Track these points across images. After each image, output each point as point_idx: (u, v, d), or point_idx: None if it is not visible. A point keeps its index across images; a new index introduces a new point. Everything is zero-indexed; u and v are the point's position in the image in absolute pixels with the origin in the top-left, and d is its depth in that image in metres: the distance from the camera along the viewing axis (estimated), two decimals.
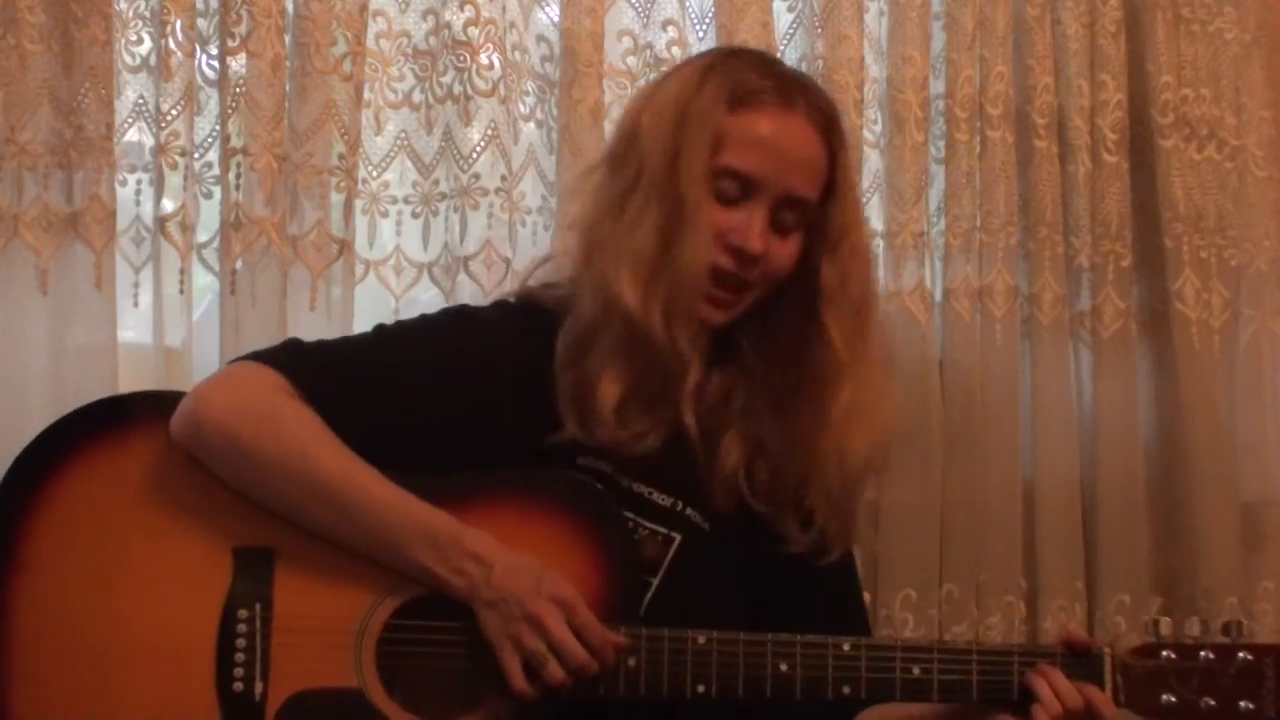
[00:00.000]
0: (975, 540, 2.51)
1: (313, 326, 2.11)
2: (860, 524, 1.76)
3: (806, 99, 1.74)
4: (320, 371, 1.66)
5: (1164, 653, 1.68)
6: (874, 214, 2.50)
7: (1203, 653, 1.67)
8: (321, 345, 1.73)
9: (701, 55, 1.83)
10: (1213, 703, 1.66)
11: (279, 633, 1.59)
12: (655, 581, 1.67)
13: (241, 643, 1.58)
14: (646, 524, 1.68)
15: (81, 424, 1.67)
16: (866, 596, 2.44)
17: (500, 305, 1.81)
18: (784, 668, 1.59)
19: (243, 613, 1.59)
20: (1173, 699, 1.66)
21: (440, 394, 1.67)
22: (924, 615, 2.47)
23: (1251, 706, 1.66)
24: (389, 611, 1.60)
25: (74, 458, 1.64)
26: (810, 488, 1.72)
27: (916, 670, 1.62)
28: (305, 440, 1.60)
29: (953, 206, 2.53)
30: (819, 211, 1.73)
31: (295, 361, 1.66)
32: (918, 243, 2.49)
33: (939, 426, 2.49)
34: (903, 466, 2.47)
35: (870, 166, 2.49)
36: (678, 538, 1.69)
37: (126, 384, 2.06)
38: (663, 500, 1.70)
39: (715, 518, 1.71)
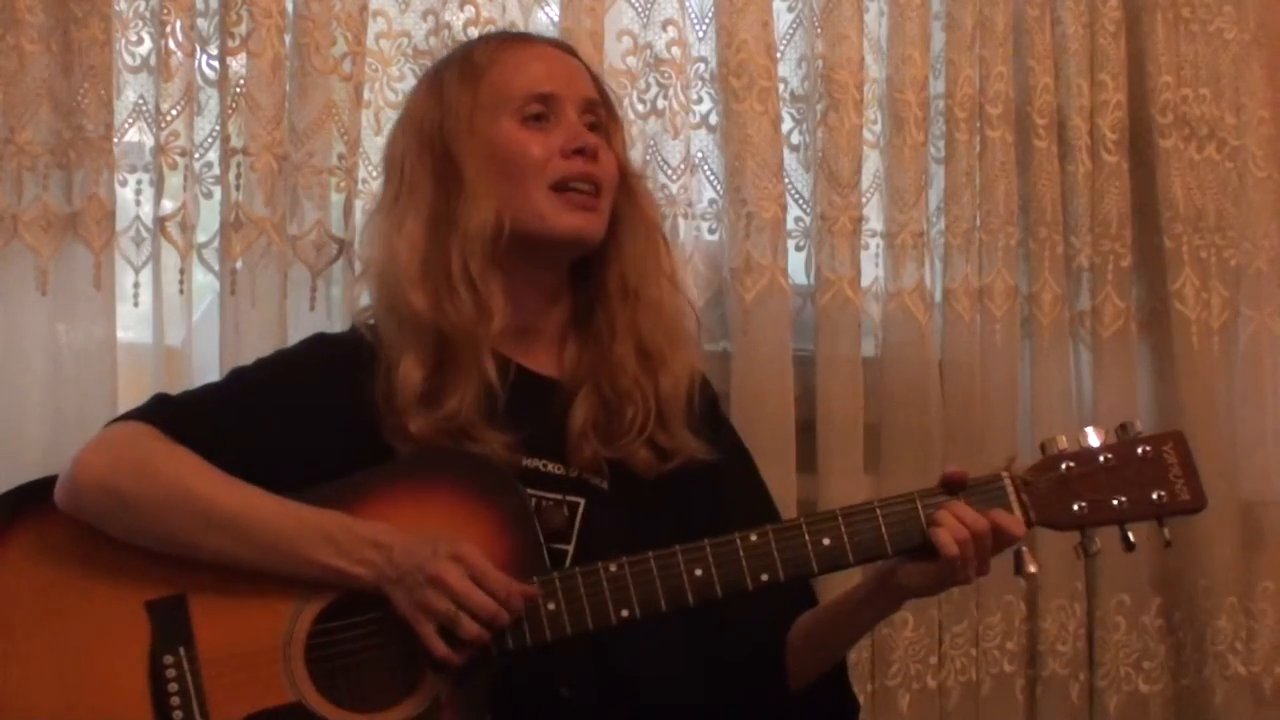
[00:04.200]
0: None
1: (313, 326, 2.10)
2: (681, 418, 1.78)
3: (536, 37, 1.91)
4: (185, 412, 1.70)
5: (1064, 464, 1.65)
6: (874, 214, 2.51)
7: (1102, 456, 1.65)
8: (185, 392, 1.80)
9: (426, 74, 1.91)
10: (1125, 499, 1.65)
11: (207, 667, 1.59)
12: (570, 548, 1.69)
13: (173, 686, 1.59)
14: (547, 495, 1.70)
15: None
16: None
17: (355, 328, 1.83)
18: (699, 572, 1.60)
19: (168, 659, 1.60)
20: (1084, 505, 1.64)
21: (299, 410, 1.71)
22: (924, 614, 2.47)
23: (1163, 494, 1.65)
24: (309, 620, 1.60)
25: None
26: (634, 406, 1.75)
27: (827, 540, 1.62)
28: (182, 473, 1.63)
29: (953, 206, 2.54)
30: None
31: (162, 409, 1.71)
32: (918, 243, 2.49)
33: (939, 426, 2.49)
34: (903, 466, 2.48)
35: (870, 166, 2.50)
36: (581, 502, 1.71)
37: (126, 384, 2.06)
38: (556, 470, 1.72)
39: (612, 476, 1.74)
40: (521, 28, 2.29)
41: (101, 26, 2.03)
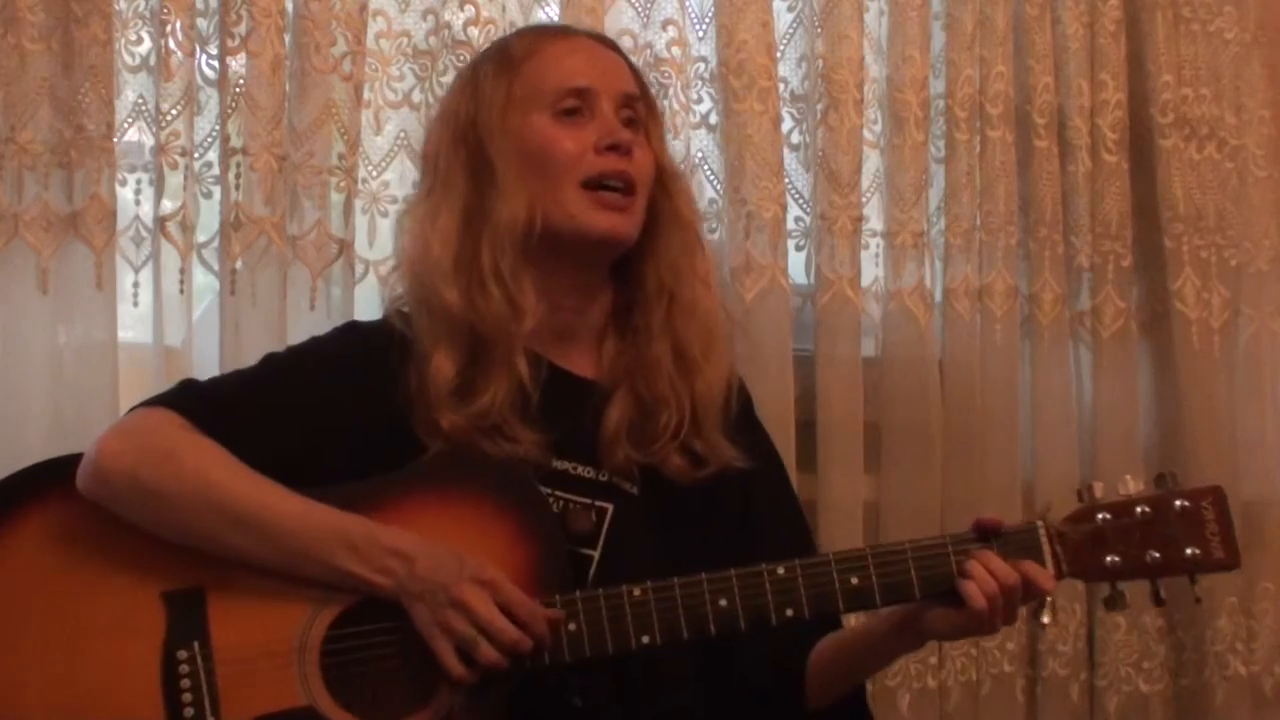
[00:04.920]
0: None
1: (313, 326, 2.10)
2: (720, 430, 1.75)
3: (575, 30, 1.86)
4: (213, 402, 1.67)
5: (1099, 515, 1.63)
6: (874, 214, 2.51)
7: (1139, 508, 1.63)
8: (214, 379, 1.78)
9: (465, 67, 1.90)
10: (1157, 554, 1.62)
11: (222, 665, 1.58)
12: (596, 554, 1.67)
13: (186, 682, 1.57)
14: (575, 499, 1.68)
15: None
16: None
17: (387, 319, 1.80)
18: (724, 603, 1.57)
19: (182, 653, 1.58)
20: (1117, 559, 1.62)
21: (332, 400, 1.68)
22: None
23: (1197, 551, 1.62)
24: (326, 624, 1.58)
25: None
26: (669, 409, 1.72)
27: (855, 579, 1.59)
28: (207, 468, 1.61)
29: (953, 206, 2.54)
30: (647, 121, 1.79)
31: (188, 397, 1.68)
32: (918, 243, 2.49)
33: (939, 426, 2.49)
34: (903, 466, 2.48)
35: (870, 166, 2.50)
36: (610, 507, 1.69)
37: (127, 384, 2.06)
38: (587, 473, 1.70)
39: (643, 482, 1.71)
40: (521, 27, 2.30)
41: (102, 26, 2.03)
